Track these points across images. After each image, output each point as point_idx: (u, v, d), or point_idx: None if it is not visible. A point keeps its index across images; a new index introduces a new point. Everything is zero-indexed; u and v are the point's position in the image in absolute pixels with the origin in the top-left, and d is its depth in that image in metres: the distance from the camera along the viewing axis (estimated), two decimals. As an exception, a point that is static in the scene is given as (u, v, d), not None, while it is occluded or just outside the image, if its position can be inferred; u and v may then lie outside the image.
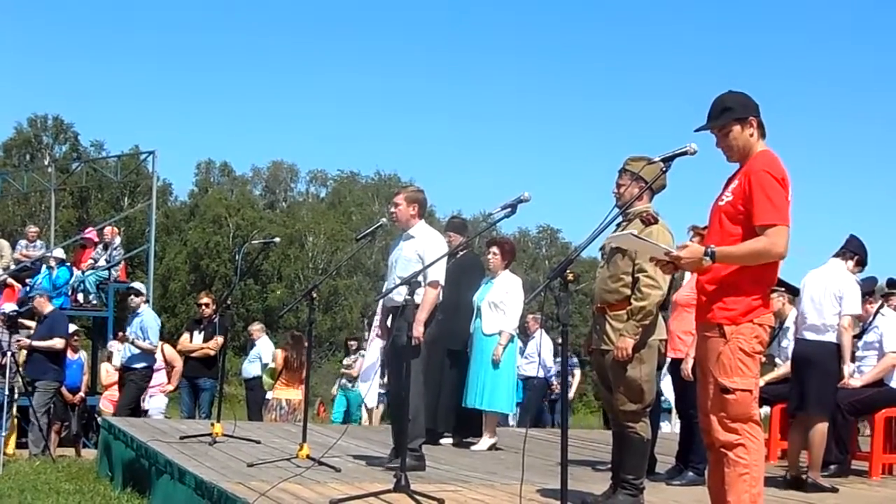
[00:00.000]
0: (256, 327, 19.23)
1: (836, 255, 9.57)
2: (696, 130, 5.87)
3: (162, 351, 16.71)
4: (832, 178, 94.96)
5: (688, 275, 8.83)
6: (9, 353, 14.29)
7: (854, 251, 9.59)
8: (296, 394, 15.73)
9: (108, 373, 17.71)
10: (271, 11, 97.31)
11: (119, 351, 15.30)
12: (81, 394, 17.71)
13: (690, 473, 8.87)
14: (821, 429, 9.03)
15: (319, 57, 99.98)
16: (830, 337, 9.18)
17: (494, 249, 11.14)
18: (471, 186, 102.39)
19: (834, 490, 8.92)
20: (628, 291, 7.29)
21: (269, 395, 16.43)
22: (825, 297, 9.24)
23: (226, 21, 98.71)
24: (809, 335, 9.29)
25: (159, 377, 16.62)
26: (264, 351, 18.20)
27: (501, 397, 10.81)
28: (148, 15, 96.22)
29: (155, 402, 16.49)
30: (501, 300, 10.74)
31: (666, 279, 7.33)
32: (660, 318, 7.49)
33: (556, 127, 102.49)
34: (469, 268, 11.47)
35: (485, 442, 11.03)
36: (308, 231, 72.18)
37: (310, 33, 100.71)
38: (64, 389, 16.74)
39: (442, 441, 11.28)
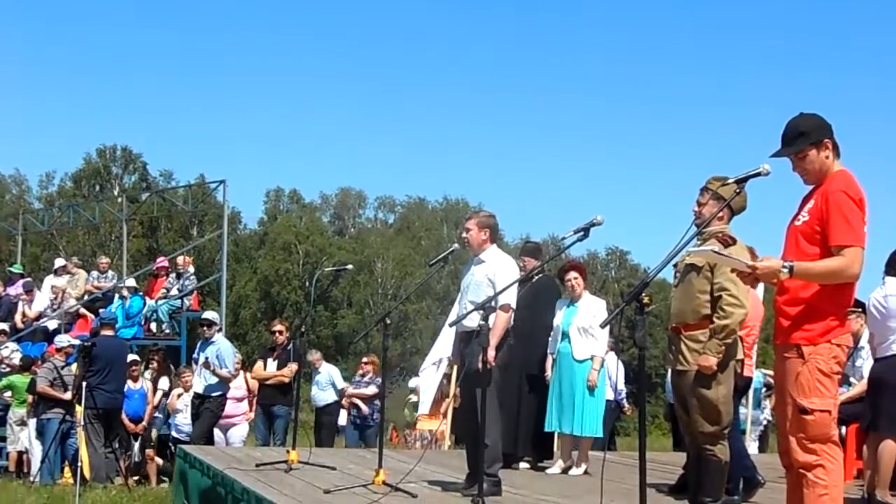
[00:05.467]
0: (316, 356, 19.28)
1: (889, 275, 9.42)
2: (773, 156, 5.87)
3: (246, 380, 16.83)
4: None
5: None
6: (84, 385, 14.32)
7: None
8: (438, 424, 16.04)
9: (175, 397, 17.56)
10: (336, 44, 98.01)
11: (199, 377, 15.39)
12: (144, 423, 17.77)
13: None
14: (889, 447, 8.90)
15: (387, 84, 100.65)
16: None
17: (574, 274, 10.82)
18: (539, 210, 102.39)
19: None
20: (706, 310, 7.26)
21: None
22: (890, 317, 9.13)
23: (292, 53, 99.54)
24: (880, 353, 9.18)
25: (243, 406, 16.80)
26: (335, 375, 18.56)
27: (595, 422, 10.62)
28: (215, 46, 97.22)
29: (238, 430, 16.56)
30: (590, 324, 10.53)
31: (748, 298, 7.30)
32: (737, 338, 7.45)
33: (624, 148, 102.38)
34: (544, 291, 11.37)
35: (580, 468, 10.80)
36: (377, 257, 72.46)
37: (375, 61, 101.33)
38: (126, 419, 17.08)
39: (520, 465, 11.25)
